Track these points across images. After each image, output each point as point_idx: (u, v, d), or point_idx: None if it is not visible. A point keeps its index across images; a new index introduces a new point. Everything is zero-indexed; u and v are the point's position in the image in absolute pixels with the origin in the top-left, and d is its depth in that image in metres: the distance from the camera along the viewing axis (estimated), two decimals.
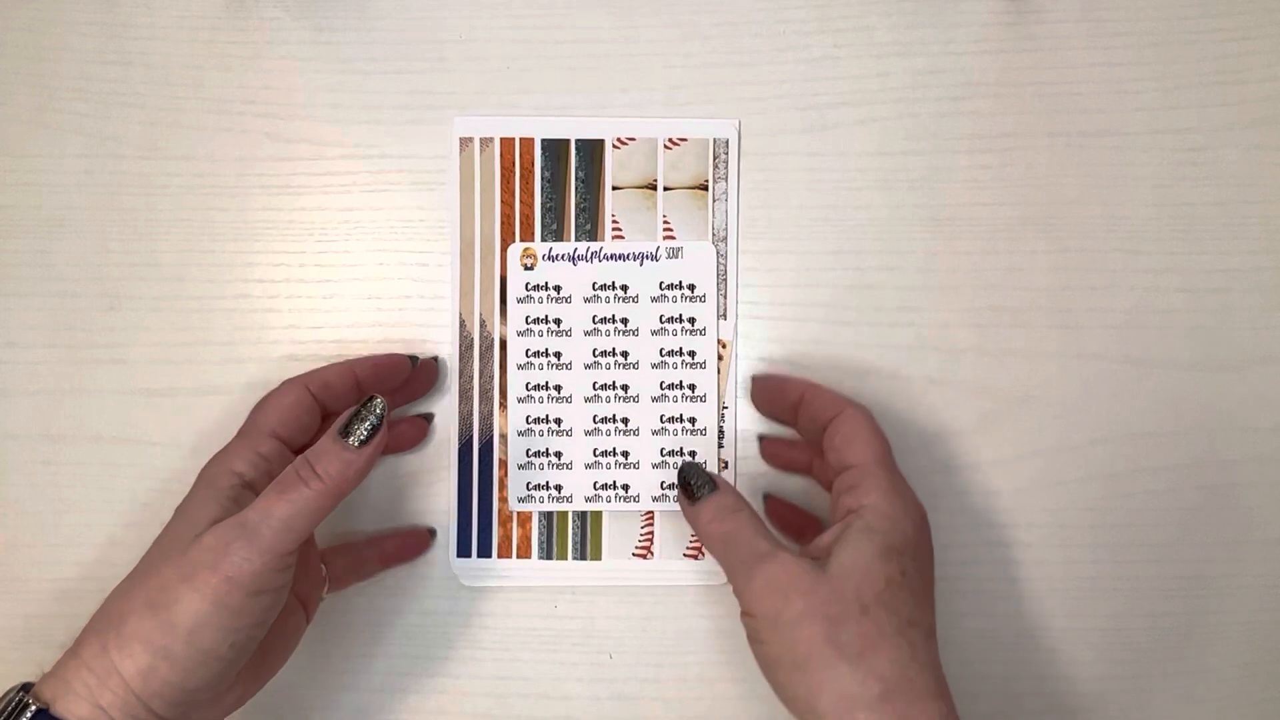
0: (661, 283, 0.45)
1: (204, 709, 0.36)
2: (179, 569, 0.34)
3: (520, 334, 0.45)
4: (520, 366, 0.45)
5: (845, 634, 0.35)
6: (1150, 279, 0.45)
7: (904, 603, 0.36)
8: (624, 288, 0.45)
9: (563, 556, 0.45)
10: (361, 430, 0.36)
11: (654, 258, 0.45)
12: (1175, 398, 0.45)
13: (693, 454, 0.45)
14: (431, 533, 0.45)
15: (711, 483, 0.39)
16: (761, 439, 0.45)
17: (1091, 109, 0.46)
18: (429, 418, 0.45)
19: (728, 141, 0.45)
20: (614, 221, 0.45)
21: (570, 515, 0.45)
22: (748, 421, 0.45)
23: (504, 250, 0.45)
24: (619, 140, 0.45)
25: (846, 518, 0.38)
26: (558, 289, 0.45)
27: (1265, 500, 0.45)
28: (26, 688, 0.34)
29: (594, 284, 0.45)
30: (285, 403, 0.40)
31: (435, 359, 0.45)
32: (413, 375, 0.44)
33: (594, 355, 0.45)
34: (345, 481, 0.36)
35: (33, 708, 0.33)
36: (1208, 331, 0.45)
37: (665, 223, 0.45)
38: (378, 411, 0.37)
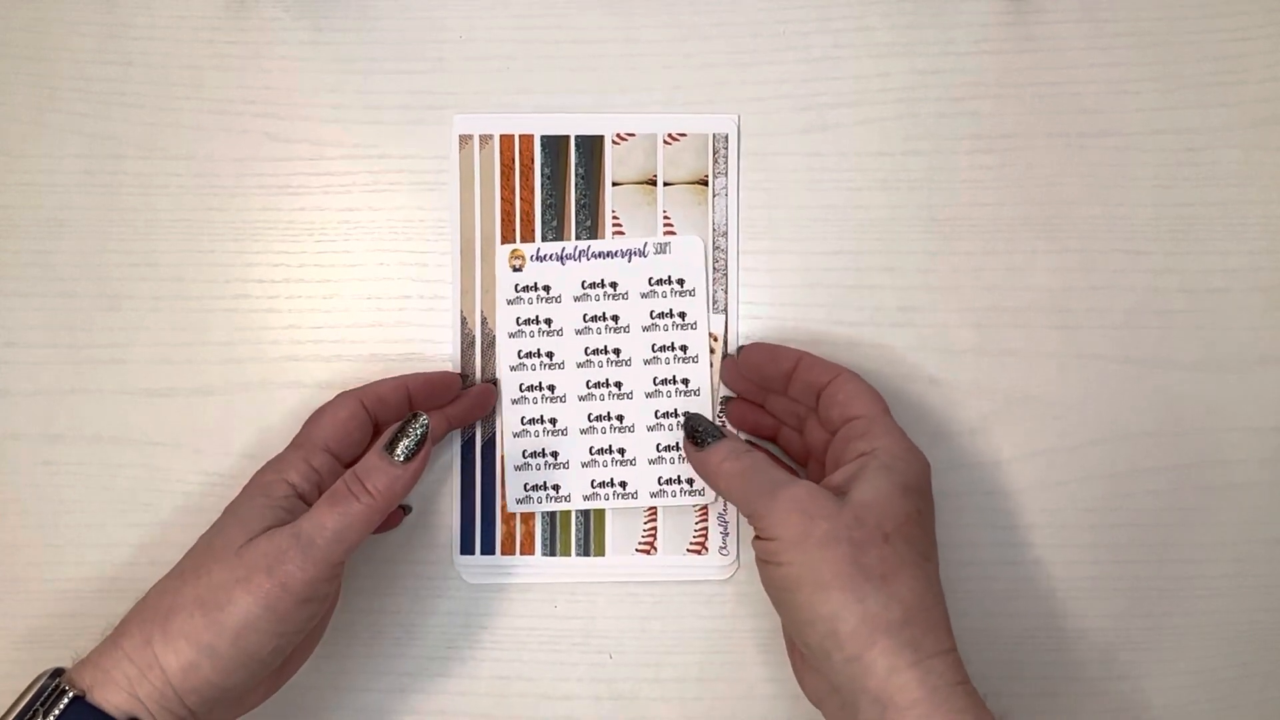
0: (651, 278, 0.45)
1: (231, 706, 0.37)
2: (233, 571, 0.35)
3: (512, 335, 0.45)
4: (513, 368, 0.45)
5: (870, 557, 0.35)
6: (1150, 279, 0.45)
7: (920, 538, 0.37)
8: (613, 285, 0.45)
9: (566, 553, 0.45)
10: (408, 445, 0.38)
11: (642, 253, 0.45)
12: (1175, 398, 0.45)
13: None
14: (406, 509, 0.45)
15: (718, 431, 0.41)
16: (726, 401, 0.45)
17: (1091, 109, 0.46)
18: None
19: (727, 136, 0.45)
20: (614, 217, 0.45)
21: (573, 512, 0.45)
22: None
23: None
24: (618, 136, 0.45)
25: (860, 458, 0.38)
26: (547, 289, 0.45)
27: (1265, 500, 0.45)
28: (58, 673, 0.35)
29: (583, 282, 0.45)
30: (340, 417, 0.41)
31: (494, 381, 0.45)
32: (469, 398, 0.44)
33: (586, 354, 0.45)
34: (393, 496, 0.37)
35: (69, 694, 0.34)
36: (1208, 331, 0.45)
37: (665, 218, 0.45)
38: (420, 428, 0.38)
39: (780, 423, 0.44)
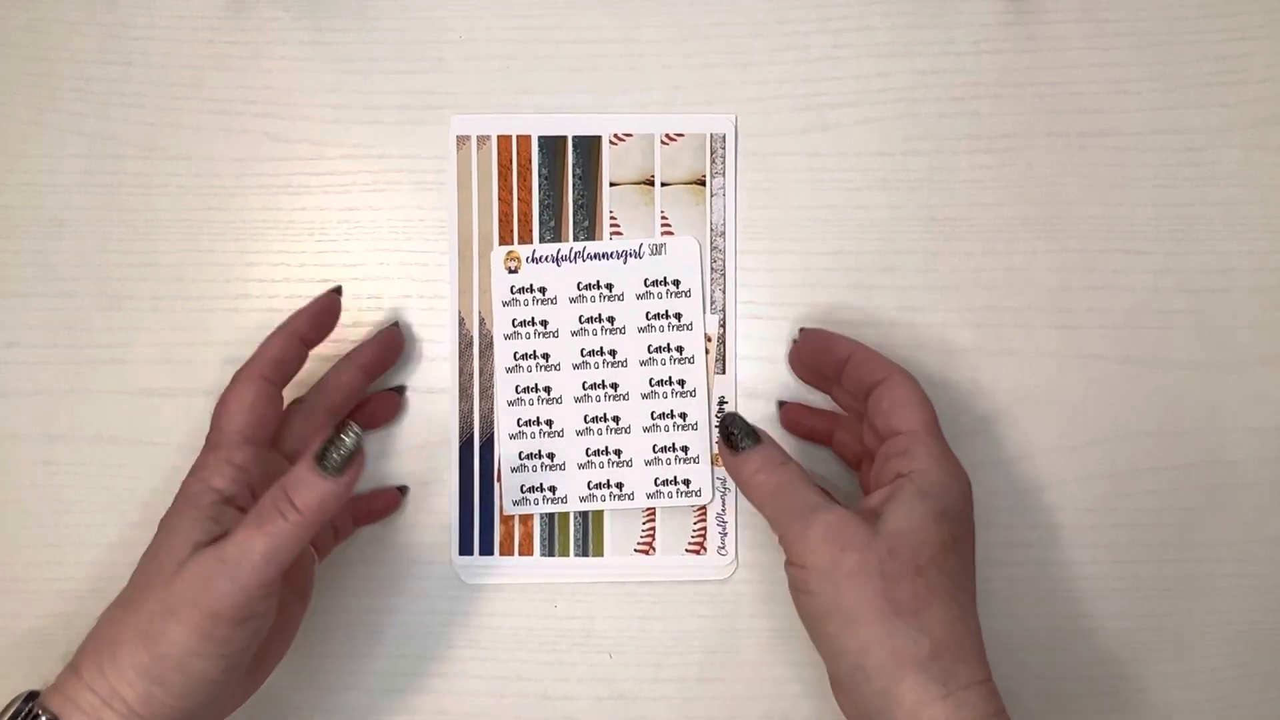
0: (646, 279, 0.45)
1: (209, 713, 0.36)
2: (164, 602, 0.34)
3: (507, 337, 0.45)
4: (509, 370, 0.45)
5: (900, 591, 0.35)
6: (1150, 279, 0.45)
7: (954, 567, 0.36)
8: (609, 286, 0.45)
9: (564, 553, 0.45)
10: (339, 458, 0.35)
11: (637, 255, 0.45)
12: (1175, 398, 0.45)
13: (685, 449, 0.45)
14: (402, 490, 0.45)
15: (754, 434, 0.40)
16: (782, 404, 0.45)
17: (1091, 109, 0.46)
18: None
19: (724, 136, 0.45)
20: (611, 218, 0.45)
21: (571, 513, 0.45)
22: (749, 420, 0.45)
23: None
24: (616, 136, 0.45)
25: (896, 481, 0.38)
26: (543, 291, 0.45)
27: (1265, 500, 0.45)
28: (33, 696, 0.35)
29: (579, 284, 0.45)
30: (246, 402, 0.39)
31: (396, 325, 0.45)
32: (375, 343, 0.44)
33: (582, 355, 0.45)
34: (324, 511, 0.35)
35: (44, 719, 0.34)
36: (1208, 331, 0.45)
37: (663, 218, 0.45)
38: (352, 438, 0.35)
39: (834, 425, 0.44)
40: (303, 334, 0.41)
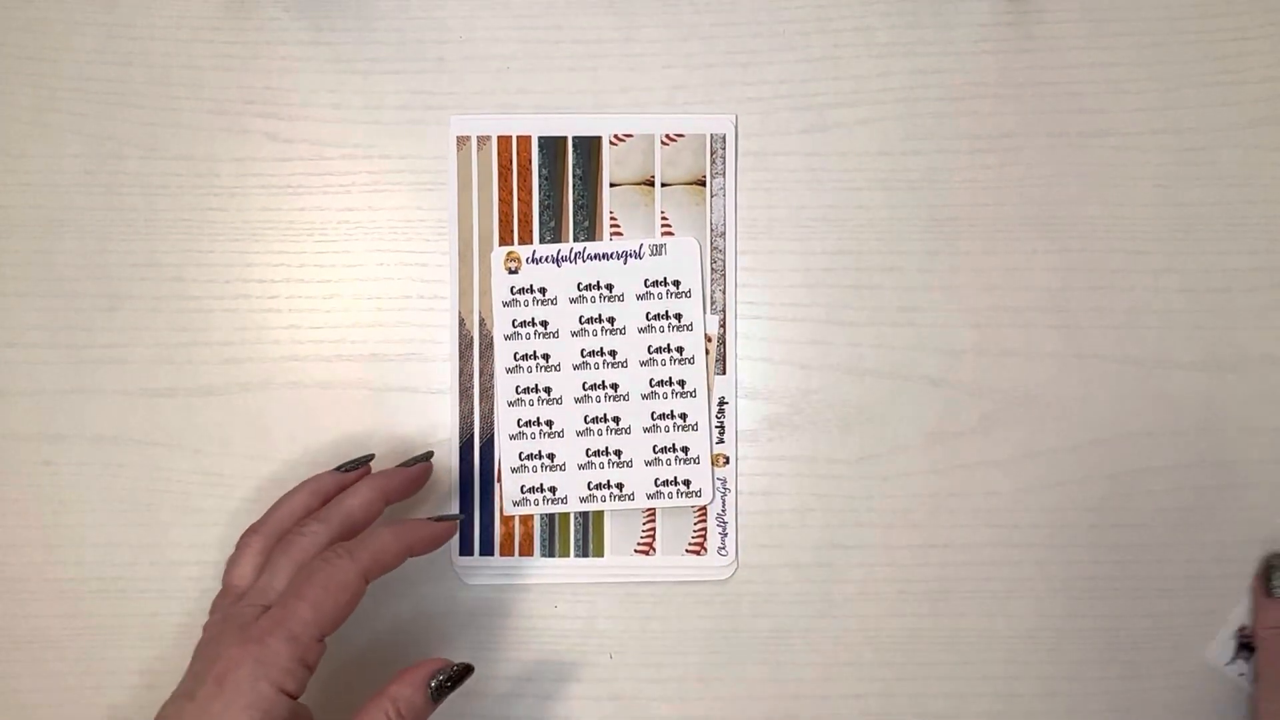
0: (646, 280, 0.45)
1: None
2: None
3: (508, 338, 0.45)
4: (509, 370, 0.45)
5: None
6: (1150, 279, 0.45)
7: None
8: (609, 287, 0.45)
9: (564, 554, 0.45)
10: (446, 690, 0.37)
11: (638, 255, 0.45)
12: (1175, 398, 0.45)
13: (685, 450, 0.45)
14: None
15: None
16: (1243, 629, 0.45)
17: (1091, 109, 0.46)
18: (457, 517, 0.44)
19: (724, 137, 0.45)
20: (612, 218, 0.45)
21: (571, 514, 0.45)
22: (749, 420, 0.45)
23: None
24: (616, 137, 0.45)
25: None
26: (543, 291, 0.45)
27: (1265, 500, 0.45)
28: None
29: (579, 284, 0.45)
30: (345, 600, 0.36)
31: (429, 458, 0.43)
32: (405, 481, 0.42)
33: (582, 355, 0.45)
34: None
35: None
36: (1208, 331, 0.45)
37: (663, 218, 0.45)
38: (464, 676, 0.37)
39: None
40: (392, 498, 0.41)
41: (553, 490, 0.45)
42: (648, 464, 0.45)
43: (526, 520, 0.45)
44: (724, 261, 0.45)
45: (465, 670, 0.38)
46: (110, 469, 0.45)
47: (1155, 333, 0.45)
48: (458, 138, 0.46)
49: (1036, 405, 0.45)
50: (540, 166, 0.45)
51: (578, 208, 0.45)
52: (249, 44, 0.46)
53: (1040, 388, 0.45)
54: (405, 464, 0.42)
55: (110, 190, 0.46)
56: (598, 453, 0.45)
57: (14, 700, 0.45)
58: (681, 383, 0.45)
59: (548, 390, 0.45)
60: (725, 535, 0.45)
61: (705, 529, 0.45)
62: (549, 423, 0.45)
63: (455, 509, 0.45)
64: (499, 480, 0.45)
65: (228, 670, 0.34)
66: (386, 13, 0.46)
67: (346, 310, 0.46)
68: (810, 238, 0.46)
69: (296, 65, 0.46)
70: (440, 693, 0.37)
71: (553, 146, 0.46)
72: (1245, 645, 0.43)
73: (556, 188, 0.45)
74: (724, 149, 0.45)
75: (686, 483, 0.45)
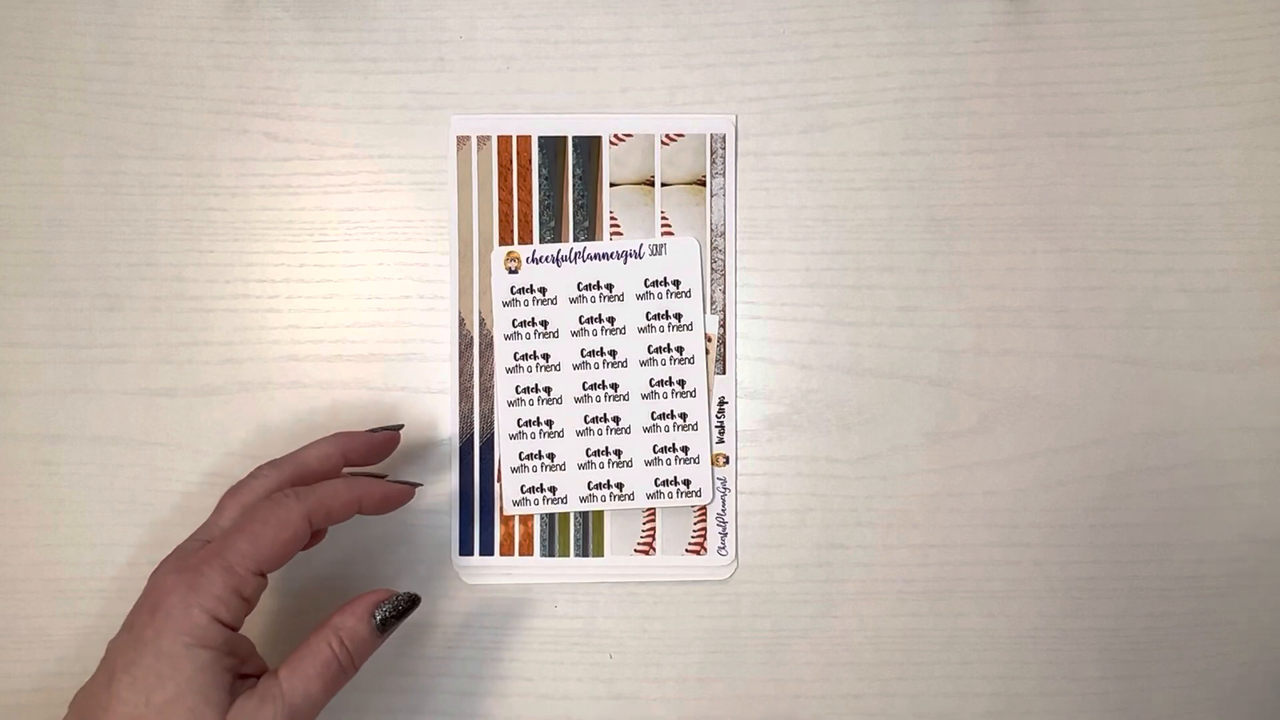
0: (646, 280, 0.45)
1: None
2: None
3: (508, 337, 0.45)
4: (509, 370, 0.45)
5: None
6: (1150, 279, 0.45)
7: None
8: (609, 287, 0.45)
9: (564, 554, 0.45)
10: (395, 621, 0.38)
11: (638, 255, 0.45)
12: (1175, 398, 0.45)
13: (685, 449, 0.45)
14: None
15: None
16: None
17: (1091, 109, 0.46)
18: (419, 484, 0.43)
19: (724, 136, 0.45)
20: (612, 218, 0.45)
21: (571, 514, 0.45)
22: (749, 420, 0.45)
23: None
24: (616, 137, 0.45)
25: None
26: (543, 291, 0.45)
27: (1265, 500, 0.45)
28: None
29: (579, 284, 0.45)
30: (284, 539, 0.36)
31: (399, 430, 0.43)
32: (368, 445, 0.41)
33: (582, 355, 0.45)
34: (363, 663, 0.38)
35: None
36: (1208, 331, 0.45)
37: (663, 218, 0.45)
38: (409, 605, 0.38)
39: None
40: (351, 458, 0.41)
41: (553, 490, 0.45)
42: (648, 464, 0.45)
43: (526, 520, 0.45)
44: (724, 261, 0.45)
45: (411, 601, 0.38)
46: (110, 469, 0.45)
47: (1155, 333, 0.45)
48: (458, 137, 0.46)
49: (1036, 405, 0.45)
50: (540, 166, 0.45)
51: (578, 208, 0.45)
52: (249, 44, 0.46)
53: (1040, 388, 0.45)
54: (373, 430, 0.42)
55: (110, 190, 0.46)
56: (598, 452, 0.45)
57: (14, 700, 0.45)
58: (681, 382, 0.45)
59: (548, 390, 0.45)
60: (725, 535, 0.45)
61: (705, 529, 0.45)
62: (549, 422, 0.45)
63: (456, 509, 0.45)
64: (499, 480, 0.45)
65: (161, 597, 0.35)
66: (386, 13, 0.46)
67: (346, 310, 0.46)
68: (810, 238, 0.46)
69: (296, 65, 0.46)
70: (386, 624, 0.37)
71: (553, 146, 0.46)
72: None
73: (556, 188, 0.46)
74: (724, 149, 0.45)
75: (686, 482, 0.45)
